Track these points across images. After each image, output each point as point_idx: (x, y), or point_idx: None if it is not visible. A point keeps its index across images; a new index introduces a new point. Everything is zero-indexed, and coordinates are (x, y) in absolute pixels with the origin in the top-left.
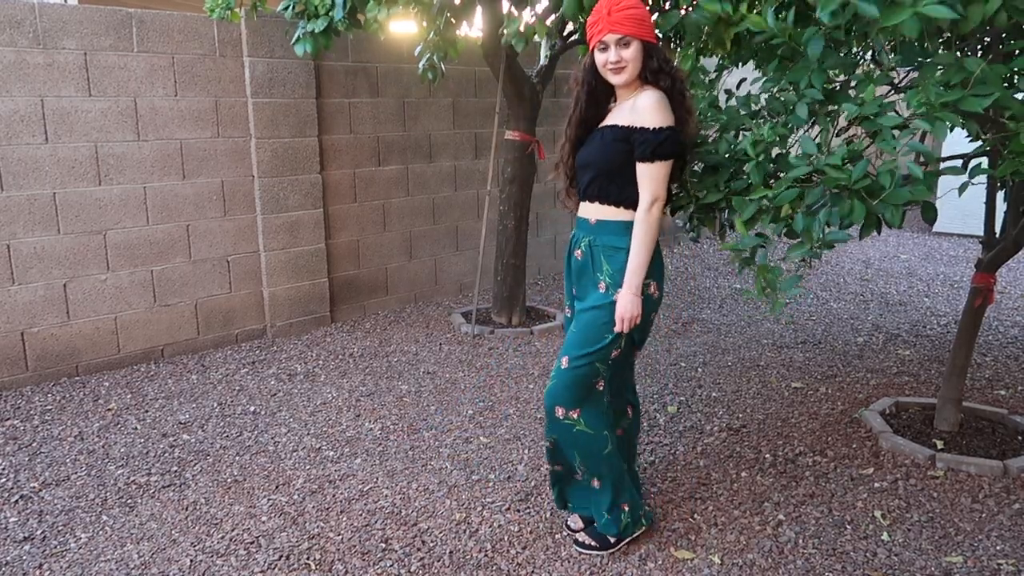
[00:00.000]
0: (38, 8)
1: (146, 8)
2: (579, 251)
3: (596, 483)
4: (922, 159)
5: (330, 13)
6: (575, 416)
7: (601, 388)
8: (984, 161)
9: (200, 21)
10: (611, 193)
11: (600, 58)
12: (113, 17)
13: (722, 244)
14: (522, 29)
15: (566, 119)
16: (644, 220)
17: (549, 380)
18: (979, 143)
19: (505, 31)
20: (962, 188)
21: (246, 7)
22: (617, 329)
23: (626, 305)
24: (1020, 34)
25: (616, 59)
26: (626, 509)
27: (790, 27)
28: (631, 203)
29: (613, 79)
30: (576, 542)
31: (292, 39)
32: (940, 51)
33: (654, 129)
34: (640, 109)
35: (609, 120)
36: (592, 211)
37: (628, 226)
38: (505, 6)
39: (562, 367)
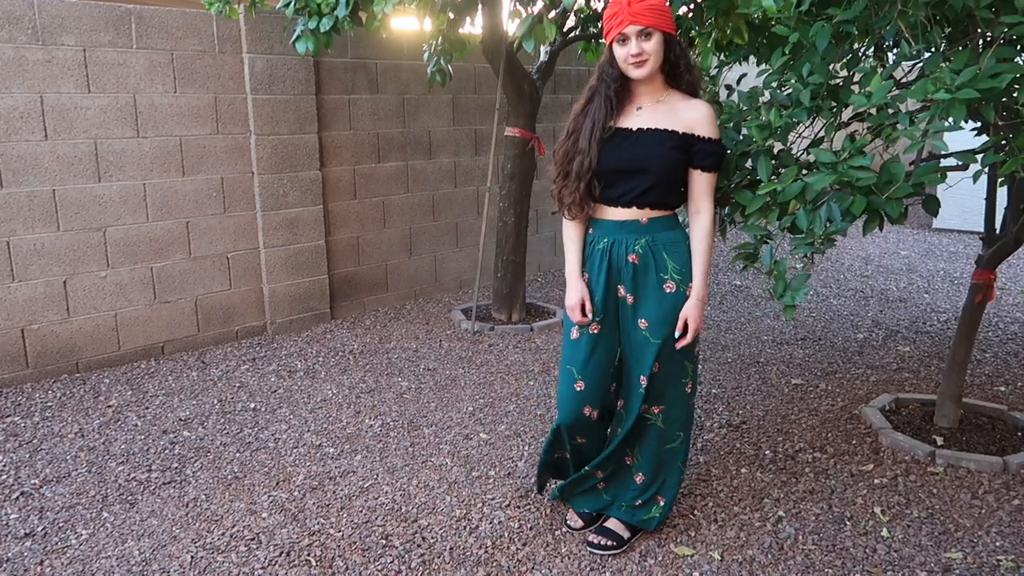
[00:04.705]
0: (37, 4)
1: (145, 4)
2: (634, 255)
3: (640, 477)
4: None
5: (335, 12)
6: (656, 411)
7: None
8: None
9: (199, 17)
10: (669, 202)
11: (620, 52)
12: (112, 13)
13: (734, 248)
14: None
15: (589, 120)
16: (712, 230)
17: (641, 389)
18: (984, 138)
19: (518, 34)
20: (976, 176)
21: (245, 4)
22: (685, 342)
23: (695, 316)
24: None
25: (637, 51)
26: (661, 503)
27: (798, 16)
28: (677, 204)
29: (634, 73)
30: (590, 543)
31: (292, 37)
32: (943, 44)
33: (718, 141)
34: (703, 119)
35: (645, 122)
36: (642, 213)
37: (674, 219)
38: (506, 5)
39: (654, 371)
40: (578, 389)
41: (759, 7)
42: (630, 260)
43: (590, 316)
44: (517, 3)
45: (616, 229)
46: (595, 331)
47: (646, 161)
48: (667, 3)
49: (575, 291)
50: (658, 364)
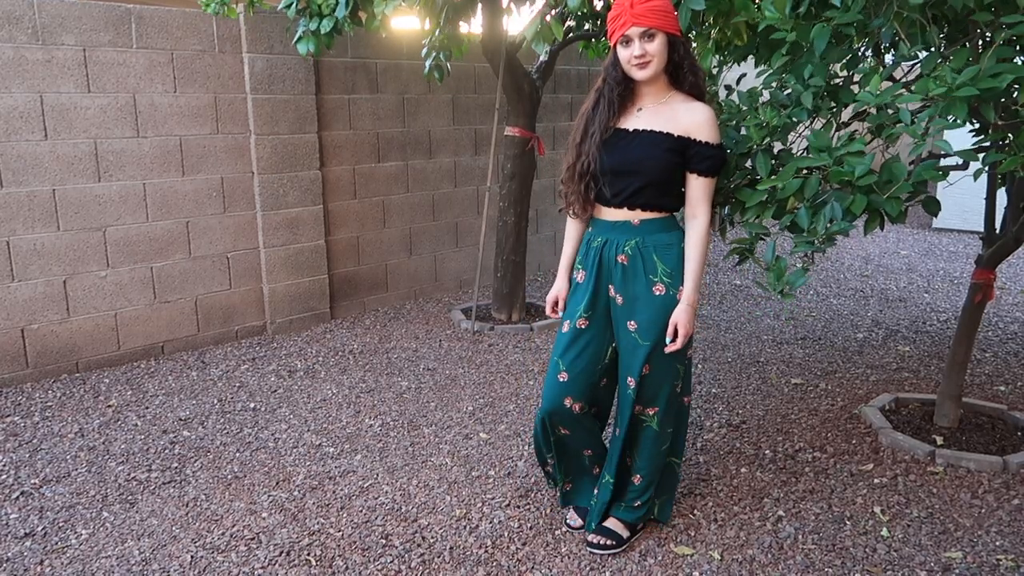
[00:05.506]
0: (37, 4)
1: (145, 4)
2: (623, 255)
3: (638, 479)
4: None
5: (334, 13)
6: (651, 413)
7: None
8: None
9: (199, 17)
10: (663, 204)
11: (623, 54)
12: (112, 13)
13: (728, 242)
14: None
15: (592, 122)
16: (707, 235)
17: (629, 391)
18: (980, 137)
19: (527, 36)
20: (977, 174)
21: (243, 3)
22: (675, 347)
23: (685, 321)
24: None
25: (640, 53)
26: (659, 502)
27: (800, 21)
28: (673, 207)
29: (637, 74)
30: (589, 542)
31: (294, 38)
32: (942, 44)
33: (717, 145)
34: (701, 123)
35: (643, 124)
36: (634, 215)
37: (670, 222)
38: (505, 3)
39: (644, 373)
40: (561, 380)
41: (757, 14)
42: (619, 260)
43: (560, 313)
44: (512, 2)
45: (609, 229)
46: (582, 326)
47: (638, 163)
48: (671, 2)
49: (554, 287)
50: (648, 366)
